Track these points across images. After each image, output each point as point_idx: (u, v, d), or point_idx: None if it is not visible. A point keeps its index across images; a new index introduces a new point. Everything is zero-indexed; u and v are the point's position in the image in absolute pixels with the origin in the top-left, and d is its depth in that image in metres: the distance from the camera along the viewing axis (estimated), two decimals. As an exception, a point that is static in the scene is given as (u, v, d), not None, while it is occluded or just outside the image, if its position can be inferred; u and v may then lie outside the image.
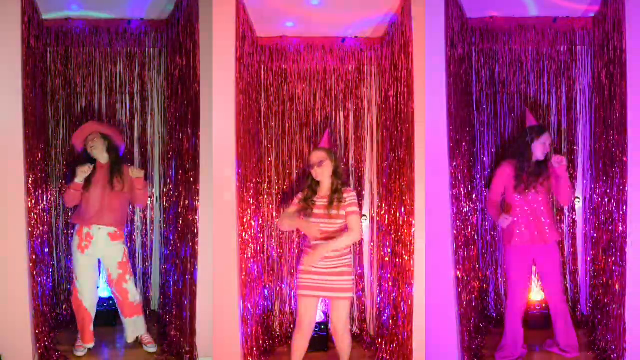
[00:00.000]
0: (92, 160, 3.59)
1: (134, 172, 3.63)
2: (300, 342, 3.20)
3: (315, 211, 3.20)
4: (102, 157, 3.61)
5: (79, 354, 3.61)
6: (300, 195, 3.30)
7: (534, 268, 3.90)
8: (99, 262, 3.73)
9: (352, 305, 3.81)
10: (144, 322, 3.77)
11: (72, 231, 3.71)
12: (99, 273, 3.81)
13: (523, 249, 3.49)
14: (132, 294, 3.67)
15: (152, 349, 3.70)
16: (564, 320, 3.53)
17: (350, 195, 3.20)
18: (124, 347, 3.76)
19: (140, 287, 4.28)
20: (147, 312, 4.24)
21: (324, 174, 3.23)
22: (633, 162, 3.22)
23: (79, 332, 3.67)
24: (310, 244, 3.24)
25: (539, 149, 3.50)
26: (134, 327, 3.73)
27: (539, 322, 3.99)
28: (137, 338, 3.77)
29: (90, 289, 3.59)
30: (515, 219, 3.49)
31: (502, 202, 3.67)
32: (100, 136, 3.59)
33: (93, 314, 3.65)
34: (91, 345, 3.66)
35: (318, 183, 3.28)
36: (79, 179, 3.51)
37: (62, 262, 4.15)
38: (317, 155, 3.26)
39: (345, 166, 3.95)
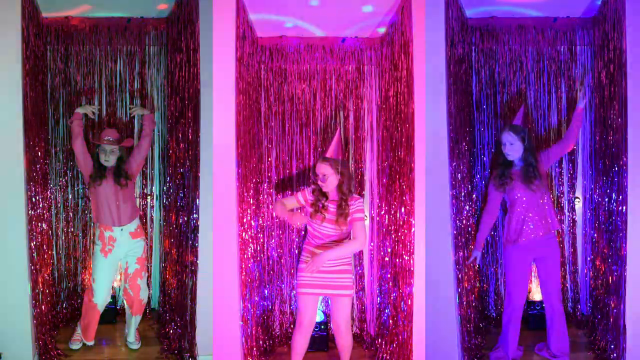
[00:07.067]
0: (98, 161, 3.61)
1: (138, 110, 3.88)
2: (301, 342, 3.20)
3: (328, 216, 3.16)
4: (113, 163, 3.63)
5: (74, 347, 3.68)
6: (306, 195, 3.25)
7: (534, 267, 3.89)
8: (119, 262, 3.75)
9: (352, 304, 3.80)
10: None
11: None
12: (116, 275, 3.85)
13: (525, 248, 3.45)
14: (143, 290, 3.70)
15: (135, 346, 3.75)
16: (559, 321, 3.48)
17: (355, 203, 3.14)
18: (124, 345, 3.78)
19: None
20: (147, 310, 4.25)
21: (328, 186, 3.15)
22: (633, 162, 3.22)
23: (80, 328, 3.71)
24: (312, 241, 3.23)
25: (505, 150, 3.48)
26: (135, 325, 3.76)
27: (539, 322, 3.99)
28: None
29: (104, 291, 3.61)
30: (518, 217, 3.47)
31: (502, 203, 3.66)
32: (119, 147, 3.65)
33: (100, 314, 3.70)
34: (92, 342, 3.73)
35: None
36: (81, 110, 3.67)
37: (62, 261, 4.15)
38: (320, 169, 3.15)
39: (355, 172, 3.90)
